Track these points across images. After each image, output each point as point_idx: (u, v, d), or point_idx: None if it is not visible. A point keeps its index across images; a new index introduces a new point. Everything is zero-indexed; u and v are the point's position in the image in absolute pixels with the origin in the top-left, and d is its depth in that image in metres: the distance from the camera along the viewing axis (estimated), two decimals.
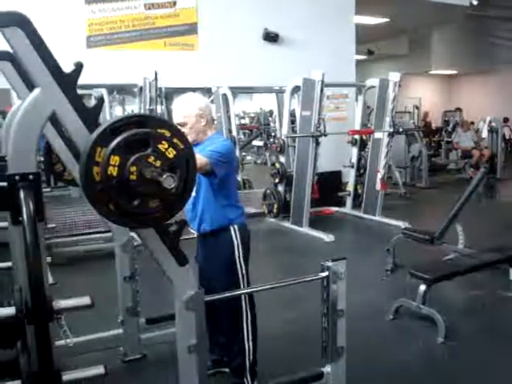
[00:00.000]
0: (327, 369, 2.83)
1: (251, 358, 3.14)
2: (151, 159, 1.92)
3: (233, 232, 3.07)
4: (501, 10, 16.21)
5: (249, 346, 3.12)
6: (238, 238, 3.08)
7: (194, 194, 2.85)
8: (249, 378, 3.16)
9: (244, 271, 3.10)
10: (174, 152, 1.97)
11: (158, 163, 1.93)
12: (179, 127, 2.85)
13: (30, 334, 2.01)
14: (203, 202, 3.04)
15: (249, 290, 3.12)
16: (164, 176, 1.90)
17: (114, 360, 3.61)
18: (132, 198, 1.94)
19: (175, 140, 1.99)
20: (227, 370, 3.35)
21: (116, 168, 1.88)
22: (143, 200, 1.95)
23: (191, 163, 2.05)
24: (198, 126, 2.98)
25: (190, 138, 2.91)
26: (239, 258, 3.08)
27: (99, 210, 1.95)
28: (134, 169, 1.89)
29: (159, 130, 1.97)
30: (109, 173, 1.87)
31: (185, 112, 2.97)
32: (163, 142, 1.96)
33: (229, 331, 3.23)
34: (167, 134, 1.98)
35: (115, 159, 1.88)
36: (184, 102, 3.03)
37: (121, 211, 1.96)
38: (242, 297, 3.07)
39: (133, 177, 1.90)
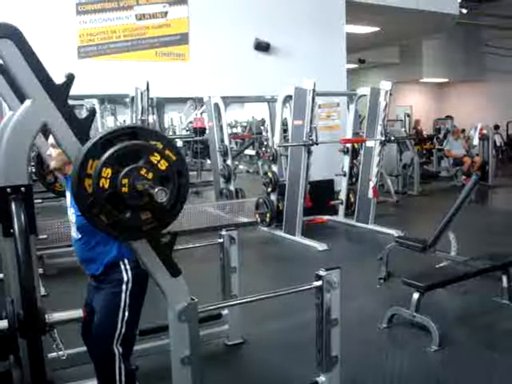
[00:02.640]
0: (321, 378, 2.83)
1: None
2: (143, 171, 1.92)
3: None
4: (491, 19, 16.36)
5: None
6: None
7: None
8: None
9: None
10: (166, 164, 1.97)
11: (150, 175, 1.93)
12: (50, 148, 2.74)
13: (22, 347, 2.00)
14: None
15: (242, 301, 3.11)
16: (156, 189, 1.89)
17: None
18: (124, 209, 1.94)
19: (167, 152, 1.99)
20: None
21: (108, 180, 1.88)
22: (135, 212, 1.95)
23: (184, 174, 2.04)
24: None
25: (53, 164, 2.79)
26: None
27: (91, 222, 1.95)
28: (125, 181, 1.89)
29: (151, 142, 1.98)
30: (100, 185, 1.87)
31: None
32: (155, 153, 1.96)
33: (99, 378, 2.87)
34: (159, 145, 1.99)
35: (107, 171, 1.88)
36: None
37: (112, 223, 1.95)
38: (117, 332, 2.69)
39: (124, 189, 1.90)
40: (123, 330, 2.67)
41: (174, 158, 2.01)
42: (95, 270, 2.75)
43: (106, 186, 1.88)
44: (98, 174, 1.87)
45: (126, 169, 1.90)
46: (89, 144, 1.91)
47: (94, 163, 1.89)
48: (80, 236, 2.75)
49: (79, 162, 1.88)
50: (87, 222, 1.97)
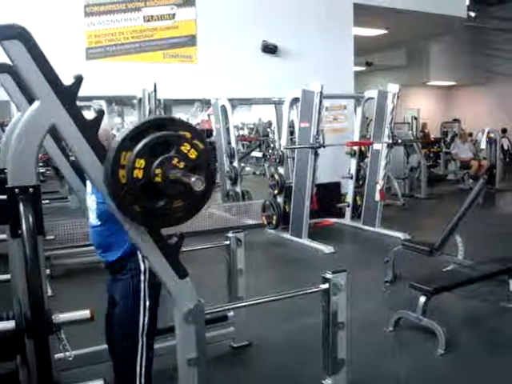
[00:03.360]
0: (328, 381, 2.82)
1: None
2: (175, 161, 1.99)
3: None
4: (499, 22, 16.31)
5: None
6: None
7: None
8: None
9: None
10: (196, 153, 2.04)
11: (182, 165, 2.00)
12: None
13: (29, 348, 2.00)
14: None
15: (249, 303, 3.11)
16: (193, 178, 1.93)
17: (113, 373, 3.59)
18: (157, 199, 2.01)
19: (195, 141, 2.06)
20: None
21: (141, 170, 1.95)
22: (168, 201, 2.03)
23: (211, 163, 2.12)
24: None
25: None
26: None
27: (124, 212, 2.02)
28: (159, 171, 1.96)
29: (180, 132, 2.04)
30: (134, 175, 1.94)
31: None
32: (185, 143, 2.03)
33: (118, 363, 2.96)
34: (188, 135, 2.05)
35: (140, 162, 1.95)
36: None
37: (145, 212, 2.03)
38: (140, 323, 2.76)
39: (158, 179, 1.96)
40: (146, 319, 2.73)
41: (201, 146, 2.07)
42: (111, 257, 2.80)
43: (140, 176, 1.95)
44: (132, 165, 1.94)
45: (159, 159, 1.96)
46: (121, 136, 1.97)
47: (127, 154, 1.95)
48: (99, 223, 2.79)
49: (113, 153, 1.93)
50: (118, 210, 2.04)
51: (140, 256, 2.74)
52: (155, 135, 1.98)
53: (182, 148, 2.01)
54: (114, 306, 2.85)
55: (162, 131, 2.01)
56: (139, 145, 1.95)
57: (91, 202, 2.83)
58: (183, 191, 2.00)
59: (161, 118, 2.17)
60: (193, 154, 2.03)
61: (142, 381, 2.77)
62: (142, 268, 2.75)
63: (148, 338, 2.77)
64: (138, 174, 1.95)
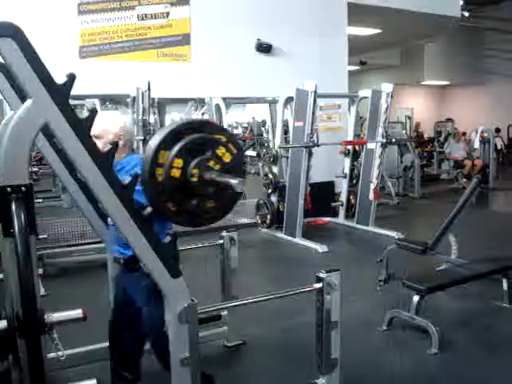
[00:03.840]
0: (321, 380, 2.82)
1: None
2: (211, 163, 2.07)
3: None
4: (493, 22, 16.36)
5: None
6: None
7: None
8: None
9: None
10: (230, 156, 2.13)
11: (217, 167, 2.09)
12: (93, 138, 2.79)
13: (21, 347, 1.99)
14: None
15: (242, 302, 3.10)
16: (235, 181, 2.02)
17: (107, 373, 3.57)
18: (191, 198, 2.09)
19: (230, 145, 2.15)
20: None
21: (179, 170, 2.04)
22: (201, 200, 2.11)
23: (244, 167, 2.23)
24: None
25: None
26: None
27: (158, 209, 2.08)
28: (195, 171, 2.04)
29: (216, 136, 2.13)
30: (172, 174, 2.02)
31: (105, 126, 2.85)
32: (220, 146, 2.12)
33: (156, 357, 3.06)
34: (223, 139, 2.15)
35: (178, 162, 2.03)
36: (108, 117, 2.94)
37: (179, 210, 2.10)
38: None
39: (194, 179, 2.04)
40: None
41: (235, 150, 2.16)
42: (129, 252, 2.77)
43: (177, 175, 2.03)
44: (170, 164, 2.01)
45: (196, 160, 2.04)
46: (160, 135, 2.04)
47: (165, 154, 2.02)
48: None
49: (152, 152, 2.00)
50: (155, 210, 2.10)
51: None
52: (193, 137, 2.06)
53: (218, 151, 2.10)
54: (125, 300, 2.94)
55: (199, 133, 2.09)
56: (178, 145, 2.02)
57: None
58: (216, 192, 2.09)
59: (198, 121, 2.31)
60: (227, 158, 2.12)
61: None
62: None
63: None
64: (176, 173, 2.02)
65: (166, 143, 2.03)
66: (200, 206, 2.11)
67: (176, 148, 2.02)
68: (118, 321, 3.04)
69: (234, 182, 2.01)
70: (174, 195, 2.05)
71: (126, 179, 2.16)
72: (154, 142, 2.05)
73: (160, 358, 2.99)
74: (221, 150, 2.11)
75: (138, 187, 2.30)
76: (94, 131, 2.62)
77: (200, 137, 2.08)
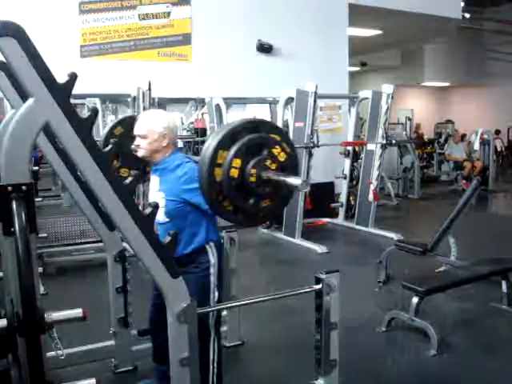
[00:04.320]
0: (320, 382, 2.81)
1: (215, 380, 3.00)
2: (268, 162, 2.11)
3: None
4: (493, 24, 16.36)
5: (213, 369, 2.98)
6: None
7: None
8: None
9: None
10: (285, 156, 2.17)
11: (273, 166, 2.12)
12: (138, 138, 2.87)
13: (21, 346, 1.99)
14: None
15: (242, 303, 3.10)
16: (301, 181, 2.06)
17: (106, 372, 3.59)
18: (248, 197, 2.12)
19: (284, 144, 2.19)
20: None
21: (237, 170, 2.07)
22: (257, 200, 2.14)
23: (297, 166, 2.28)
24: (158, 145, 2.87)
25: (142, 153, 2.89)
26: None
27: (215, 208, 2.15)
28: (253, 171, 2.07)
29: (271, 135, 2.17)
30: (231, 174, 2.05)
31: (150, 126, 2.86)
32: (276, 146, 2.15)
33: None
34: (278, 138, 2.18)
35: (237, 162, 2.05)
36: (152, 117, 2.94)
37: (236, 209, 2.13)
38: (210, 315, 2.94)
39: (252, 178, 2.08)
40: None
41: (289, 149, 2.19)
42: (179, 252, 2.80)
43: (236, 175, 2.06)
44: (229, 164, 2.04)
45: (254, 160, 2.08)
46: (219, 136, 2.07)
47: (223, 154, 2.04)
48: (168, 220, 2.89)
49: (211, 152, 2.02)
50: (211, 210, 2.20)
51: (210, 250, 2.92)
52: (251, 137, 2.09)
53: (274, 150, 2.13)
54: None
55: (256, 133, 2.12)
56: (236, 145, 2.05)
57: (159, 199, 2.86)
58: (272, 192, 2.13)
59: (254, 121, 2.28)
60: (282, 157, 2.15)
61: (215, 367, 2.95)
62: (212, 261, 2.92)
63: (217, 326, 2.98)
64: (234, 173, 2.05)
65: (225, 143, 2.06)
66: (256, 205, 2.14)
67: (235, 148, 2.05)
68: (157, 318, 3.07)
69: (297, 181, 2.05)
70: (232, 195, 2.08)
71: (128, 179, 2.16)
72: (212, 142, 2.07)
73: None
74: (276, 150, 2.14)
75: (196, 185, 2.36)
76: (138, 131, 2.81)
77: (257, 137, 2.12)
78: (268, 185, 2.10)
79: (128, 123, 3.56)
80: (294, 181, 2.07)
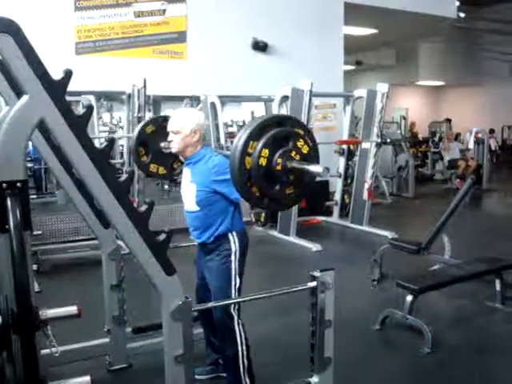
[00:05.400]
0: (314, 379, 2.82)
1: (245, 361, 3.19)
2: (293, 153, 2.29)
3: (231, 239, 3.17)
4: (488, 23, 16.38)
5: (242, 350, 3.17)
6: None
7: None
8: (248, 381, 3.20)
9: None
10: (308, 148, 2.36)
11: (297, 157, 2.31)
12: (171, 133, 3.10)
13: (15, 343, 1.99)
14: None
15: (236, 300, 3.11)
16: (321, 168, 2.27)
17: (100, 369, 3.59)
18: (274, 184, 2.30)
19: (307, 138, 2.38)
20: (225, 374, 3.37)
21: (265, 159, 2.25)
22: (282, 187, 2.32)
23: (318, 158, 2.46)
24: (190, 140, 3.09)
25: (176, 148, 3.13)
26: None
27: (244, 194, 2.31)
28: (280, 160, 2.26)
29: (296, 129, 2.36)
30: (260, 163, 2.23)
31: (183, 122, 3.08)
32: (300, 139, 2.34)
33: (221, 337, 3.27)
34: (301, 132, 2.37)
35: (265, 152, 2.24)
36: (185, 114, 3.17)
37: (262, 195, 2.32)
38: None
39: (278, 167, 2.26)
40: (237, 294, 3.14)
41: (311, 143, 2.40)
42: (207, 238, 3.15)
43: (264, 163, 2.24)
44: (258, 154, 2.22)
45: (280, 150, 2.27)
46: (250, 128, 2.25)
47: (253, 144, 2.23)
48: (198, 208, 3.13)
49: (242, 142, 2.21)
50: (241, 195, 2.35)
51: (232, 238, 3.14)
52: (279, 130, 2.29)
53: (298, 143, 2.32)
54: (203, 279, 3.28)
55: (282, 127, 2.32)
56: (265, 137, 2.23)
57: (190, 189, 3.14)
58: (295, 180, 2.31)
59: (281, 116, 2.66)
60: (305, 149, 2.34)
61: (244, 348, 3.16)
62: (234, 249, 3.14)
63: (239, 311, 3.18)
64: (263, 161, 2.23)
65: (255, 135, 2.23)
66: (281, 191, 2.33)
67: (264, 139, 2.23)
68: (201, 296, 3.31)
69: (319, 169, 2.27)
70: (260, 181, 2.25)
71: (123, 177, 2.16)
72: (244, 133, 2.24)
73: (220, 337, 3.27)
74: (300, 142, 2.33)
75: (226, 177, 2.62)
76: (172, 127, 3.07)
77: (283, 130, 2.31)
78: (292, 173, 2.29)
79: (159, 122, 3.78)
80: (315, 168, 2.28)
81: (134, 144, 3.86)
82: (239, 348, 3.17)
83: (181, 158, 3.41)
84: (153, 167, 3.87)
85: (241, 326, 3.18)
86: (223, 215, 3.12)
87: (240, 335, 3.16)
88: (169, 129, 3.12)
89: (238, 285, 3.15)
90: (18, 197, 1.96)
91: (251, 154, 2.23)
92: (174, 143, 3.12)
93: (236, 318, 3.14)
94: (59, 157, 3.05)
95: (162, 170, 3.89)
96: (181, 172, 3.46)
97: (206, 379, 3.49)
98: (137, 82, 7.04)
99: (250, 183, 2.26)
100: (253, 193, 2.29)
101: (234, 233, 3.16)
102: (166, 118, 3.21)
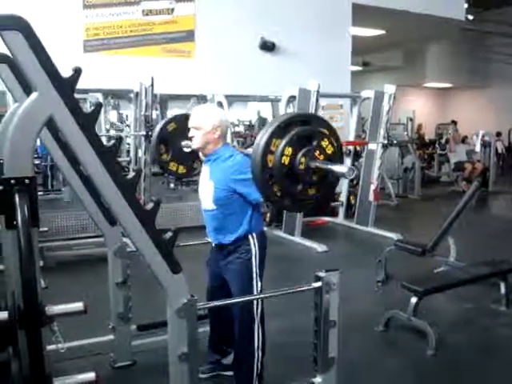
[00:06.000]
0: (318, 379, 2.82)
1: (259, 366, 3.19)
2: (317, 153, 2.26)
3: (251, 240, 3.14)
4: (496, 26, 16.33)
5: (258, 355, 3.17)
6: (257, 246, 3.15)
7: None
8: None
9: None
10: (332, 149, 2.31)
11: (321, 157, 2.27)
12: (192, 129, 3.06)
13: (21, 339, 2.00)
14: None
15: (241, 299, 3.11)
16: (346, 169, 2.21)
17: (105, 366, 3.60)
18: (296, 184, 2.26)
19: (332, 138, 2.33)
20: (229, 373, 3.38)
21: (288, 158, 2.20)
22: (305, 187, 2.28)
23: (343, 159, 2.42)
24: (211, 136, 3.05)
25: (197, 144, 3.09)
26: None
27: (265, 193, 2.29)
28: (303, 160, 2.22)
29: (320, 129, 2.31)
30: (282, 161, 2.19)
31: (204, 118, 3.05)
32: (324, 139, 2.29)
33: (239, 338, 3.25)
34: (326, 132, 2.33)
35: (289, 150, 2.20)
36: (206, 110, 3.14)
37: (283, 194, 2.27)
38: (254, 303, 3.14)
39: (301, 166, 2.22)
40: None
41: (336, 144, 2.34)
42: (225, 239, 3.11)
43: (287, 162, 2.20)
44: (281, 152, 2.18)
45: (304, 149, 2.23)
46: (273, 125, 2.22)
47: (276, 142, 2.19)
48: (215, 207, 3.08)
49: (265, 139, 2.18)
50: (261, 193, 2.33)
51: (252, 240, 3.12)
52: (303, 128, 2.25)
53: (322, 142, 2.28)
54: (220, 283, 3.24)
55: (307, 126, 2.28)
56: (289, 135, 2.19)
57: (208, 187, 3.09)
58: (319, 180, 2.28)
59: (306, 115, 2.56)
60: (330, 149, 2.29)
61: (260, 353, 3.17)
62: (253, 251, 3.12)
63: (262, 314, 3.20)
64: (286, 160, 2.19)
65: (279, 132, 2.19)
66: (303, 191, 2.28)
67: (287, 137, 2.18)
68: (213, 299, 3.25)
69: (344, 169, 2.21)
70: (282, 180, 2.21)
71: (130, 175, 2.17)
72: (267, 130, 2.20)
73: (237, 338, 3.23)
74: (325, 142, 2.28)
75: (246, 176, 2.59)
76: (193, 123, 3.03)
77: (308, 129, 2.27)
78: (315, 174, 2.25)
79: (181, 120, 3.71)
80: (340, 168, 2.22)
81: (155, 141, 3.84)
82: (255, 353, 3.16)
83: (200, 155, 3.36)
84: (172, 165, 3.84)
85: (260, 330, 3.18)
86: (241, 216, 3.07)
87: (258, 339, 3.16)
88: (190, 124, 3.08)
89: (259, 288, 3.15)
90: (26, 193, 1.97)
91: (274, 152, 2.18)
92: (195, 139, 3.08)
93: (257, 321, 3.15)
94: (67, 154, 3.06)
95: (181, 169, 3.86)
96: (199, 172, 3.40)
97: (207, 377, 3.48)
98: (144, 80, 7.05)
99: (271, 182, 2.22)
100: (274, 192, 2.24)
101: (254, 234, 3.13)
102: (188, 117, 3.20)
